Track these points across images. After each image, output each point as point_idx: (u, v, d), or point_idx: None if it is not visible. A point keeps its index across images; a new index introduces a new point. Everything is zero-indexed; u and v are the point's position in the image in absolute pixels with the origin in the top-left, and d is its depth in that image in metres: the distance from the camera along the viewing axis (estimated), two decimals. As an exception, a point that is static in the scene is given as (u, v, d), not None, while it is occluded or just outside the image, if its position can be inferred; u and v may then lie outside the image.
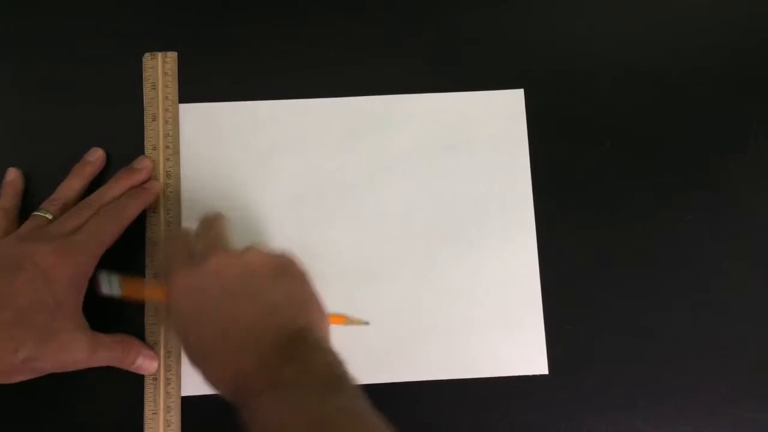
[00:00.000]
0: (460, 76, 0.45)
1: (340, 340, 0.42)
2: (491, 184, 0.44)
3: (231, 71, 0.45)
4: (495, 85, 0.45)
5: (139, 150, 0.44)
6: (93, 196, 0.41)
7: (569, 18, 0.47)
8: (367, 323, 0.42)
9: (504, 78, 0.45)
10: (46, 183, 0.42)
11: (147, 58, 0.45)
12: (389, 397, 0.42)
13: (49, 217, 0.40)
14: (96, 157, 0.43)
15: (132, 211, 0.41)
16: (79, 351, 0.38)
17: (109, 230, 0.40)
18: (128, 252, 0.41)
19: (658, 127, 0.45)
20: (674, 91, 0.46)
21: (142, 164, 0.43)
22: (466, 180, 0.44)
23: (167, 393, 0.41)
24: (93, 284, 0.39)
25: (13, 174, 0.43)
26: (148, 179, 0.43)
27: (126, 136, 0.44)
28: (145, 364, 0.41)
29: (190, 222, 0.43)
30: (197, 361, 0.35)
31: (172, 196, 0.43)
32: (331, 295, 0.42)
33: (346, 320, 0.42)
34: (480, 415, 0.42)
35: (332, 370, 0.33)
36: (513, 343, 0.42)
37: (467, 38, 0.46)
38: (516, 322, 0.43)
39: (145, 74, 0.45)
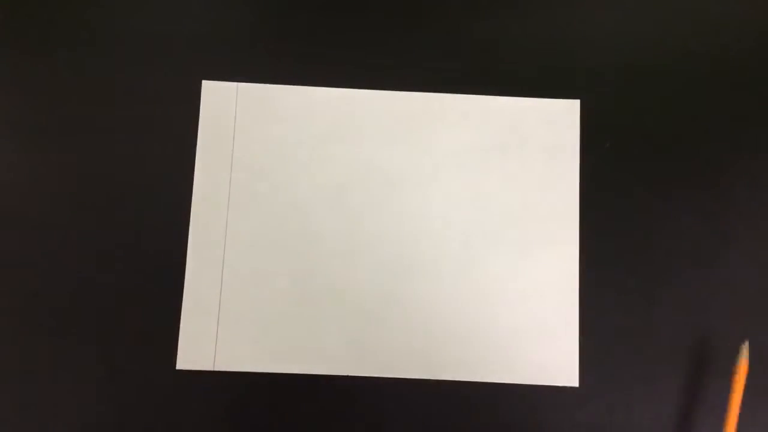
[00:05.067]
0: (517, 80, 0.45)
1: (373, 332, 0.42)
2: (538, 191, 0.44)
3: (290, 56, 0.45)
4: (550, 94, 0.45)
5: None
6: None
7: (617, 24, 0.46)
8: None
9: (560, 87, 0.45)
10: (92, 197, 0.43)
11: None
12: (416, 394, 0.42)
13: None
14: None
15: None
16: None
17: None
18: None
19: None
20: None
21: None
22: (513, 184, 0.44)
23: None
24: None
25: None
26: None
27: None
28: None
29: (235, 202, 0.43)
30: None
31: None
32: (366, 288, 0.43)
33: None
34: (504, 421, 0.42)
35: None
36: (545, 353, 0.42)
37: (515, 42, 0.46)
38: (551, 332, 0.42)
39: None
